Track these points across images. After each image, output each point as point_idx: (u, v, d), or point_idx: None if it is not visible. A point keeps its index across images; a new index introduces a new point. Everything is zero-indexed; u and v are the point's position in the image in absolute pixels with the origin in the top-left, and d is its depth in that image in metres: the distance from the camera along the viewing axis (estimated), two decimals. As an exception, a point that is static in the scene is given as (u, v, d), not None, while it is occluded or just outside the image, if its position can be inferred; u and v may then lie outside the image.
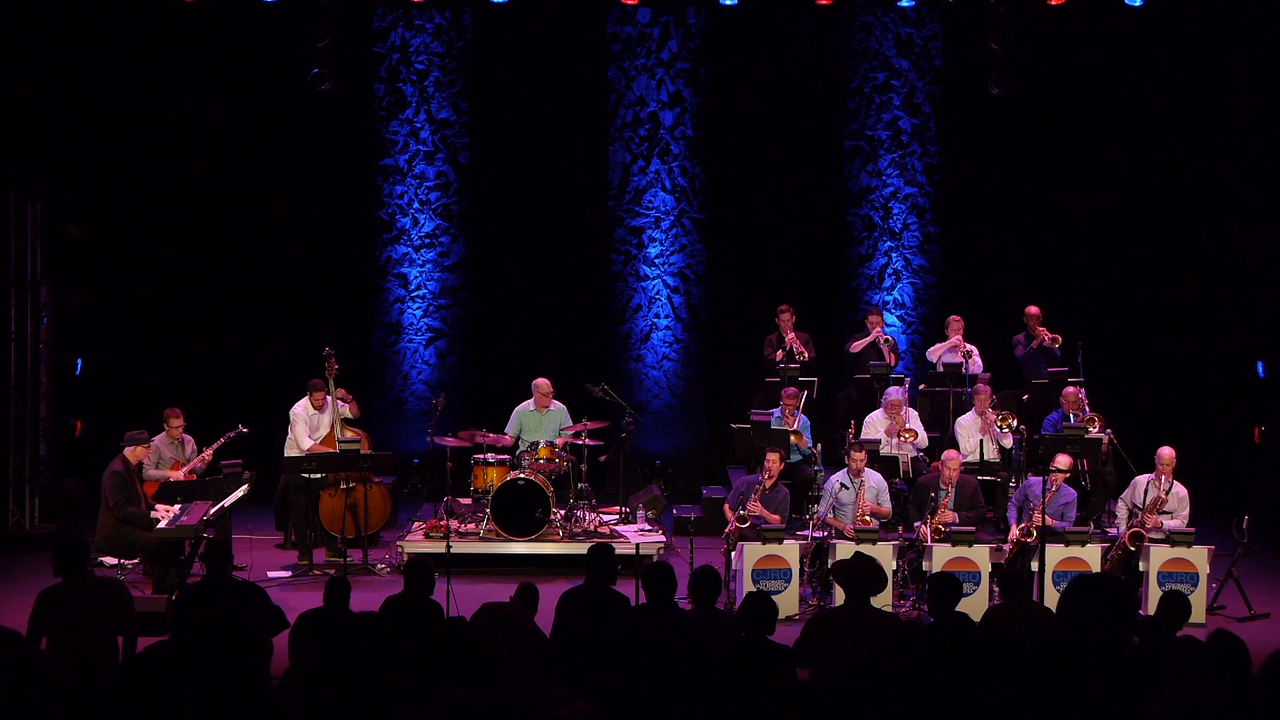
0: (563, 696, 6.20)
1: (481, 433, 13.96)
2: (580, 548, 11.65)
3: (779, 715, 5.44)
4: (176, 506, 12.07)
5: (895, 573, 11.80)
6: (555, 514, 13.23)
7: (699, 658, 5.69)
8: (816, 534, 12.26)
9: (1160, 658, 5.84)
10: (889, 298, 17.25)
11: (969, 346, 15.22)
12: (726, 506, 13.00)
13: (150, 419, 13.25)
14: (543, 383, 14.26)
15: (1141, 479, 12.49)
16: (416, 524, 13.70)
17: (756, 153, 17.22)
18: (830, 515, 12.48)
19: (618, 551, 11.95)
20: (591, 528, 13.42)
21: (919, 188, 17.28)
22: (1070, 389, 14.08)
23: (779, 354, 15.42)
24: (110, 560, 11.91)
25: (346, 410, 13.79)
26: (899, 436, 13.86)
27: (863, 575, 8.51)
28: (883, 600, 10.91)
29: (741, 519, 12.15)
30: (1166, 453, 12.38)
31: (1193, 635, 5.91)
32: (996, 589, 11.72)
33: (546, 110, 17.14)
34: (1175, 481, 12.36)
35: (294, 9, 15.73)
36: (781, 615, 10.48)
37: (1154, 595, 11.61)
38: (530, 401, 14.29)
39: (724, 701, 5.72)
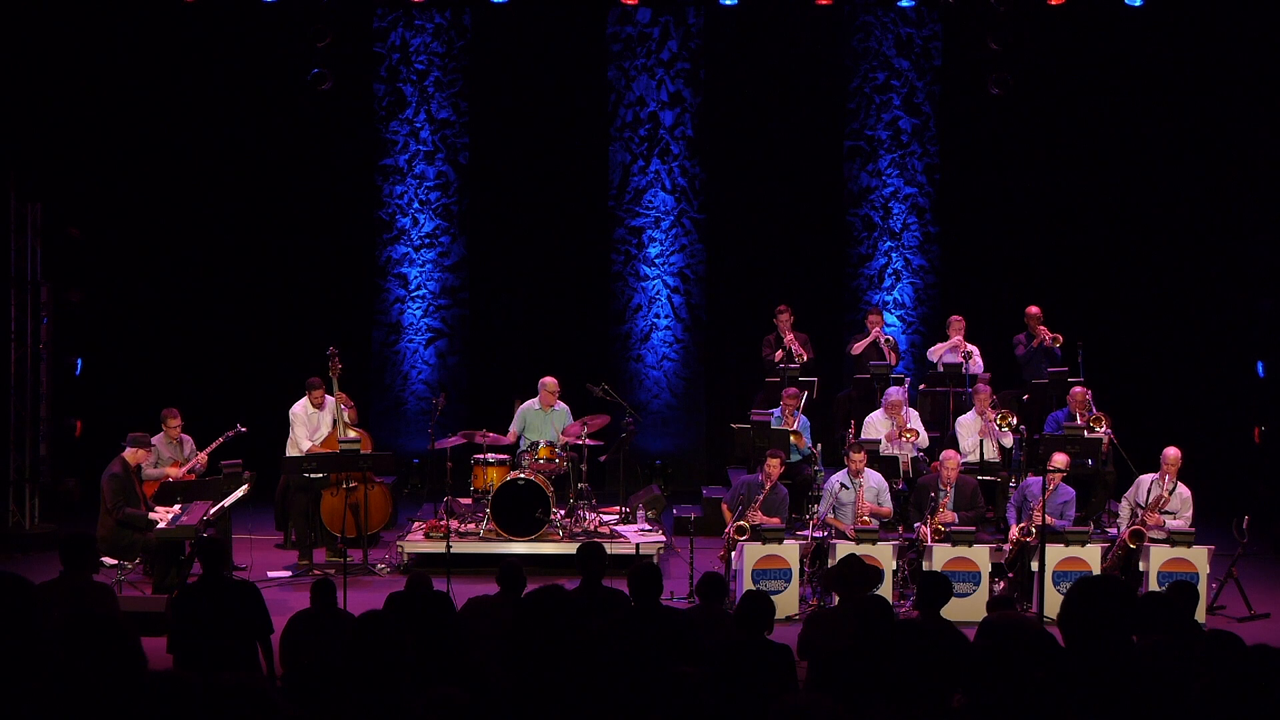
0: None
1: (481, 433, 13.95)
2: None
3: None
4: (176, 507, 12.06)
5: (895, 573, 11.81)
6: (555, 514, 13.22)
7: (685, 654, 5.73)
8: (816, 534, 12.24)
9: (1165, 653, 5.85)
10: (889, 298, 17.25)
11: (969, 346, 15.21)
12: (725, 506, 13.00)
13: (150, 419, 13.24)
14: (550, 381, 14.25)
15: (1146, 478, 12.48)
16: (416, 524, 13.69)
17: (756, 153, 17.22)
18: (830, 515, 12.47)
19: (618, 552, 12.09)
20: (591, 528, 13.41)
21: (919, 188, 17.28)
22: (1078, 389, 14.08)
23: (778, 354, 15.42)
24: (110, 561, 11.89)
25: (345, 415, 13.79)
26: (901, 437, 13.86)
27: (856, 576, 8.52)
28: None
29: (740, 530, 12.10)
30: (1172, 453, 12.36)
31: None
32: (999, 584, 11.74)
33: (546, 110, 17.14)
34: (1179, 483, 12.36)
35: (294, 9, 15.73)
36: (781, 615, 10.49)
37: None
38: (535, 400, 14.28)
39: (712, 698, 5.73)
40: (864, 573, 8.75)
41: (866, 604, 7.65)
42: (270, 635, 8.36)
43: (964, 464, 12.96)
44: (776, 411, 14.38)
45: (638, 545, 12.66)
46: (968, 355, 15.14)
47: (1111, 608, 5.16)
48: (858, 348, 15.53)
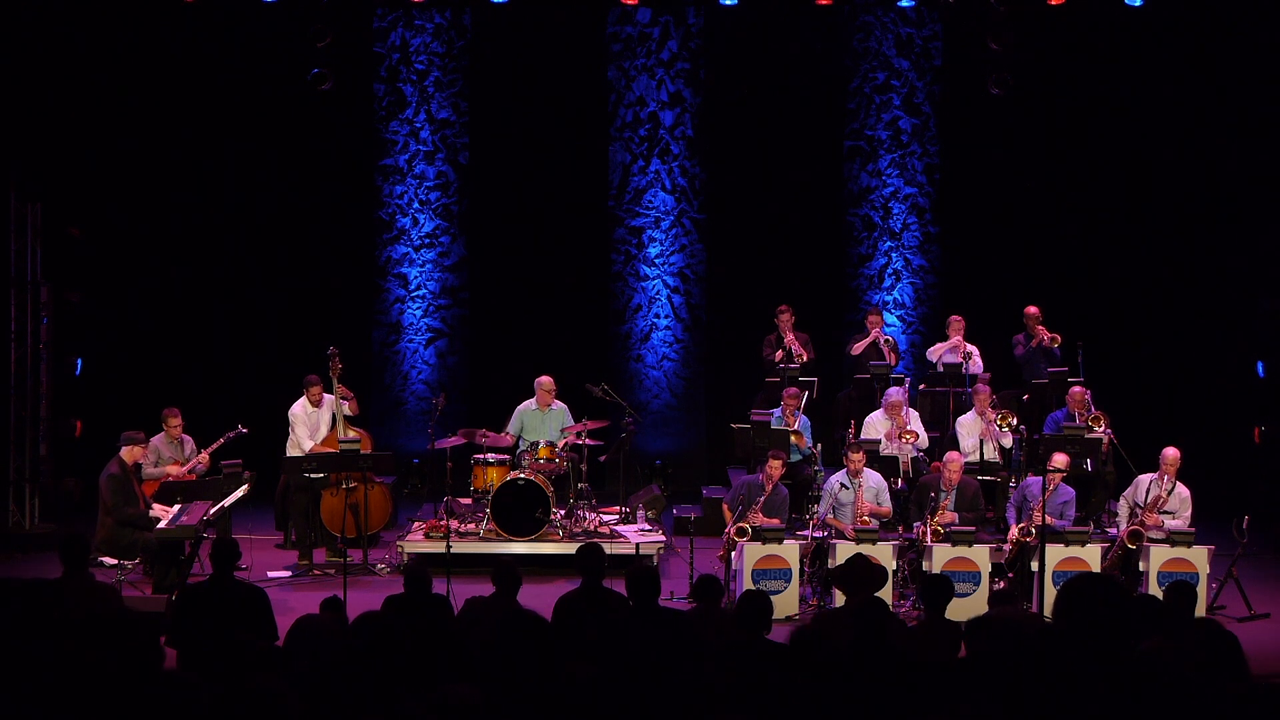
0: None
1: (481, 432, 13.94)
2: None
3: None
4: (176, 506, 12.06)
5: (895, 573, 11.79)
6: (555, 514, 13.22)
7: (683, 656, 5.75)
8: (816, 534, 12.25)
9: (1162, 654, 5.85)
10: (889, 298, 17.24)
11: (969, 347, 15.22)
12: (725, 506, 13.00)
13: (150, 419, 13.25)
14: (546, 380, 14.25)
15: (1144, 478, 12.48)
16: (416, 524, 13.69)
17: (756, 153, 17.21)
18: (830, 515, 12.48)
19: (618, 552, 12.09)
20: (591, 528, 13.41)
21: (919, 188, 17.28)
22: (1077, 389, 14.08)
23: (778, 354, 15.42)
24: (110, 561, 11.90)
25: (346, 407, 13.79)
26: (901, 438, 13.86)
27: (864, 575, 8.52)
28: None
29: (740, 531, 12.09)
30: (1171, 453, 12.37)
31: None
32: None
33: (546, 110, 17.13)
34: (1178, 482, 12.36)
35: (294, 9, 15.73)
36: (781, 615, 10.49)
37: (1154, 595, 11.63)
38: (532, 400, 14.27)
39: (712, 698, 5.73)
40: (870, 573, 8.75)
41: (863, 608, 7.66)
42: (276, 642, 8.33)
43: (964, 464, 12.94)
44: (777, 411, 14.38)
45: (638, 545, 12.67)
46: (967, 355, 15.14)
47: (1107, 603, 5.14)
48: (858, 348, 15.53)
